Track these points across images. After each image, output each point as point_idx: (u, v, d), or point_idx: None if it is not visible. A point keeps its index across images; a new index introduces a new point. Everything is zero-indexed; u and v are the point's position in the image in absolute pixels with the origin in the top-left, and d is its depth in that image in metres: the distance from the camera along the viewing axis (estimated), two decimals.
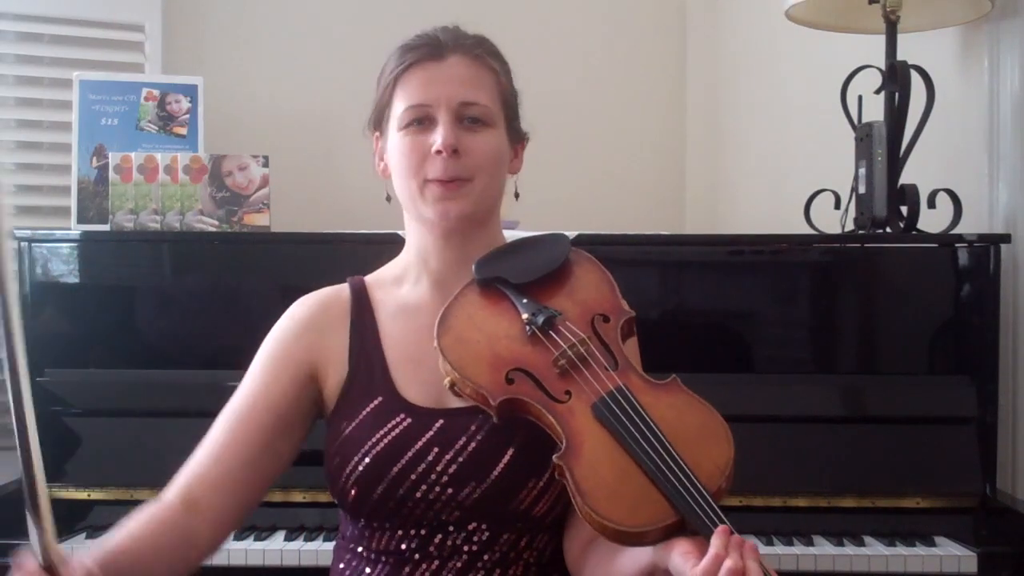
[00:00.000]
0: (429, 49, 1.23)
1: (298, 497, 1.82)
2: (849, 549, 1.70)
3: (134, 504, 1.84)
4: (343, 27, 2.83)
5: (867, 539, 1.74)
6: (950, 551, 1.69)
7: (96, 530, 1.82)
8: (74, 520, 1.85)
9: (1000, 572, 1.67)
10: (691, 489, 1.01)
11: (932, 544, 1.72)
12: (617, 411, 1.08)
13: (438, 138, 1.20)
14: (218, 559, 1.32)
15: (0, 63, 2.54)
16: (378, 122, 1.29)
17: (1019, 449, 1.89)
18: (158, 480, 1.86)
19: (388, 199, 1.32)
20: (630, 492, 1.03)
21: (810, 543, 1.72)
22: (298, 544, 1.74)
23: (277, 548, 1.73)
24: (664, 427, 1.06)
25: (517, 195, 1.32)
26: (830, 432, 1.85)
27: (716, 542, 0.97)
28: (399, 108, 1.24)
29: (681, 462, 1.03)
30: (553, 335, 1.16)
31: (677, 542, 1.01)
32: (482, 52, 1.26)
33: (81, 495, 1.88)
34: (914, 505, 1.80)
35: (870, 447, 1.83)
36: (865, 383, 1.92)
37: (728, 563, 0.95)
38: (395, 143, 1.24)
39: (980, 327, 1.86)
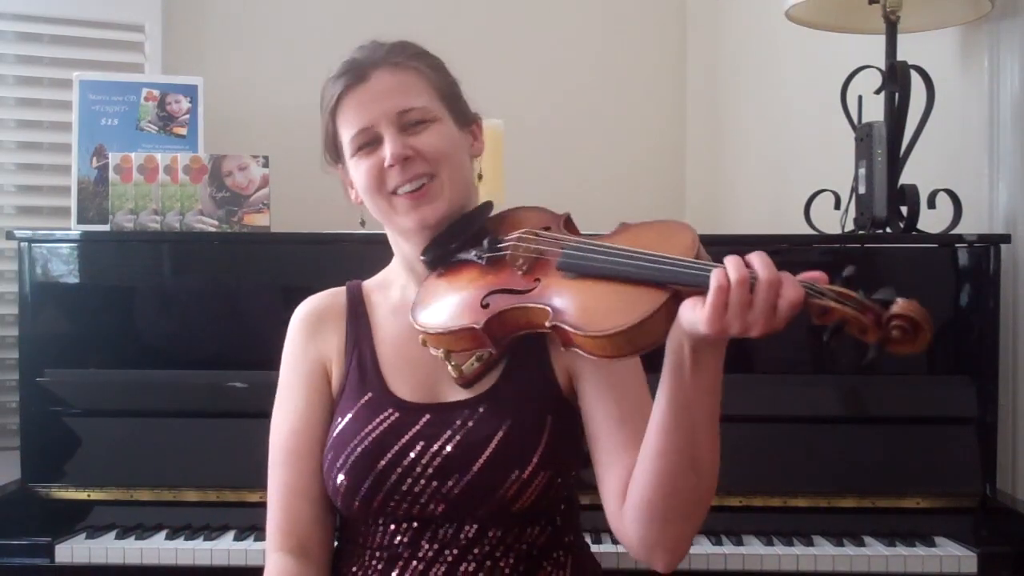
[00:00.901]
0: (351, 75, 1.26)
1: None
2: (849, 549, 1.70)
3: (134, 504, 1.87)
4: (343, 27, 2.83)
5: (867, 539, 1.74)
6: (950, 551, 1.69)
7: (96, 530, 1.82)
8: (74, 520, 1.85)
9: (1000, 572, 1.67)
10: (668, 262, 1.04)
11: (932, 544, 1.72)
12: (578, 254, 1.14)
13: (386, 153, 1.23)
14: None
15: (0, 63, 2.54)
16: (335, 154, 1.32)
17: (1019, 449, 1.89)
18: (158, 480, 1.87)
19: (362, 223, 1.36)
20: (619, 300, 1.06)
21: (810, 543, 1.72)
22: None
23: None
24: (625, 247, 1.11)
25: (480, 176, 1.35)
26: (830, 432, 1.85)
27: (714, 273, 0.98)
28: (346, 137, 1.27)
29: (650, 253, 1.07)
30: (501, 247, 1.22)
31: (683, 307, 1.02)
32: (401, 59, 1.28)
33: (81, 495, 1.88)
34: (914, 505, 1.80)
35: (870, 447, 1.83)
36: (865, 383, 1.92)
37: (734, 276, 0.96)
38: (354, 169, 1.28)
39: (980, 327, 1.86)
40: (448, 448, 1.21)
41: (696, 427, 1.07)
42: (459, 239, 1.26)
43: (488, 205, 1.32)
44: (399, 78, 1.26)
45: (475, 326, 1.14)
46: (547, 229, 1.24)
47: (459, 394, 1.24)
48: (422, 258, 1.27)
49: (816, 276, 1.01)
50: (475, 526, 1.22)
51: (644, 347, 1.06)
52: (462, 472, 1.20)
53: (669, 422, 1.08)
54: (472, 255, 1.24)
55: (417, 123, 1.25)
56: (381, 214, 1.28)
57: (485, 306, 1.16)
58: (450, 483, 1.20)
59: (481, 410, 1.22)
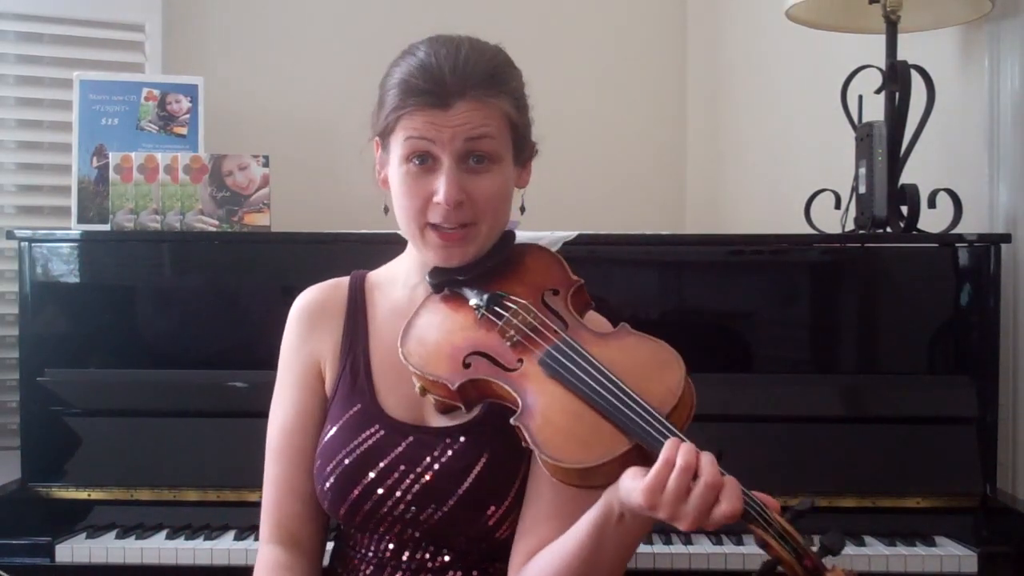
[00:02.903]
0: (432, 97, 1.15)
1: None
2: (849, 549, 1.70)
3: (134, 504, 1.87)
4: (343, 27, 2.83)
5: (867, 539, 1.74)
6: (950, 551, 1.69)
7: (96, 530, 1.82)
8: (74, 520, 1.85)
9: (1000, 572, 1.67)
10: (642, 413, 1.03)
11: (932, 544, 1.72)
12: (562, 359, 1.11)
13: (441, 189, 1.16)
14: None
15: (0, 63, 2.54)
16: (381, 134, 1.24)
17: (1019, 449, 1.89)
18: (158, 480, 1.87)
19: (386, 211, 1.28)
20: (583, 431, 1.05)
21: (810, 543, 1.72)
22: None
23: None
24: (611, 366, 1.09)
25: (523, 209, 1.30)
26: (830, 432, 1.84)
27: (666, 447, 0.98)
28: (401, 137, 1.18)
29: (630, 391, 1.05)
30: (499, 311, 1.19)
31: (628, 470, 1.01)
32: (490, 94, 1.17)
33: (81, 495, 1.88)
34: (914, 505, 1.80)
35: (870, 447, 1.83)
36: (865, 383, 1.92)
37: (680, 462, 0.96)
38: (396, 175, 1.21)
39: (980, 327, 1.86)
40: (426, 477, 1.19)
41: (602, 563, 1.09)
42: (471, 272, 1.23)
43: (510, 237, 1.28)
44: (481, 113, 1.16)
45: (449, 385, 1.14)
46: (555, 293, 1.22)
47: (442, 419, 1.22)
48: (428, 280, 1.24)
49: (769, 503, 0.99)
50: (454, 552, 1.21)
51: (595, 486, 1.06)
52: (439, 503, 1.18)
53: (579, 551, 1.09)
54: (473, 300, 1.21)
55: (480, 160, 1.18)
56: (408, 233, 1.23)
57: (466, 366, 1.15)
58: (427, 512, 1.19)
59: (462, 439, 1.20)
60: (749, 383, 1.85)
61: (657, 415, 1.02)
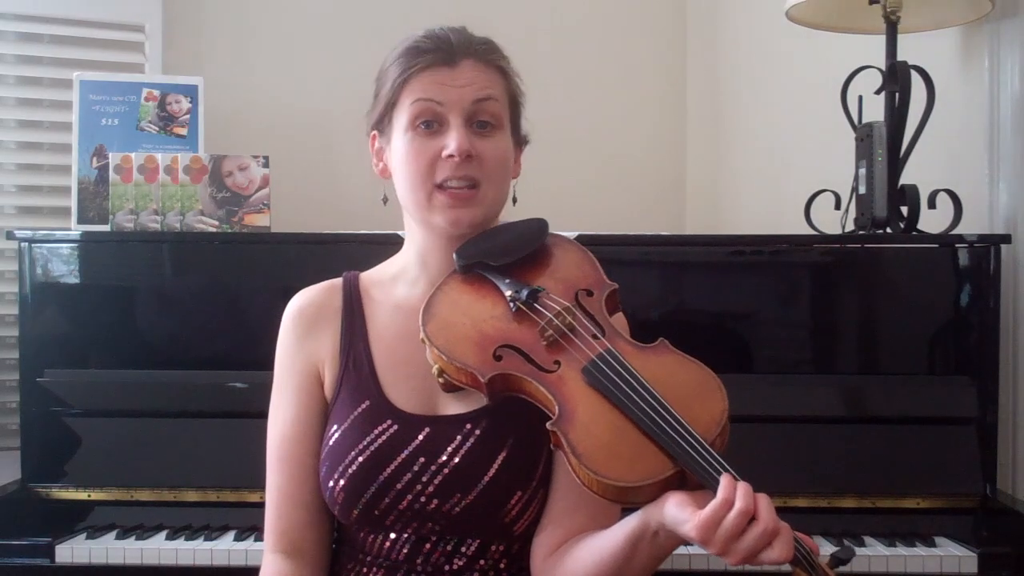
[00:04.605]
0: (441, 55, 1.19)
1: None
2: None
3: (134, 504, 1.87)
4: (343, 27, 2.83)
5: (867, 539, 1.74)
6: (950, 551, 1.69)
7: (96, 530, 1.82)
8: (74, 520, 1.85)
9: (1000, 572, 1.67)
10: (689, 439, 1.01)
11: (932, 544, 1.72)
12: (608, 371, 1.08)
13: (452, 142, 1.17)
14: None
15: (0, 63, 2.54)
16: (379, 121, 1.25)
17: (1019, 449, 1.89)
18: (158, 480, 1.88)
19: (385, 201, 1.30)
20: (627, 448, 1.03)
21: None
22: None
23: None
24: (655, 385, 1.07)
25: (515, 200, 1.30)
26: (830, 432, 1.85)
27: (724, 484, 0.97)
28: (406, 104, 1.20)
29: (676, 414, 1.03)
30: (538, 307, 1.15)
31: (670, 494, 1.01)
32: (492, 57, 1.23)
33: (81, 495, 1.88)
34: (914, 505, 1.80)
35: (870, 447, 1.83)
36: (865, 383, 1.92)
37: (739, 504, 0.95)
38: (401, 144, 1.21)
39: (980, 327, 1.86)
40: (449, 467, 1.17)
41: (631, 572, 1.10)
42: (504, 259, 1.20)
43: (543, 226, 1.26)
44: (486, 74, 1.21)
45: (479, 376, 1.10)
46: (590, 294, 1.19)
47: (457, 406, 1.20)
48: (456, 259, 1.21)
49: (813, 547, 0.99)
50: (477, 541, 1.20)
51: (629, 504, 1.05)
52: (464, 492, 1.17)
53: (611, 559, 1.10)
54: (506, 289, 1.17)
55: (485, 125, 1.20)
56: (414, 202, 1.21)
57: (497, 358, 1.12)
58: (451, 502, 1.17)
59: (484, 424, 1.19)
60: (749, 383, 1.85)
61: (706, 445, 1.01)
